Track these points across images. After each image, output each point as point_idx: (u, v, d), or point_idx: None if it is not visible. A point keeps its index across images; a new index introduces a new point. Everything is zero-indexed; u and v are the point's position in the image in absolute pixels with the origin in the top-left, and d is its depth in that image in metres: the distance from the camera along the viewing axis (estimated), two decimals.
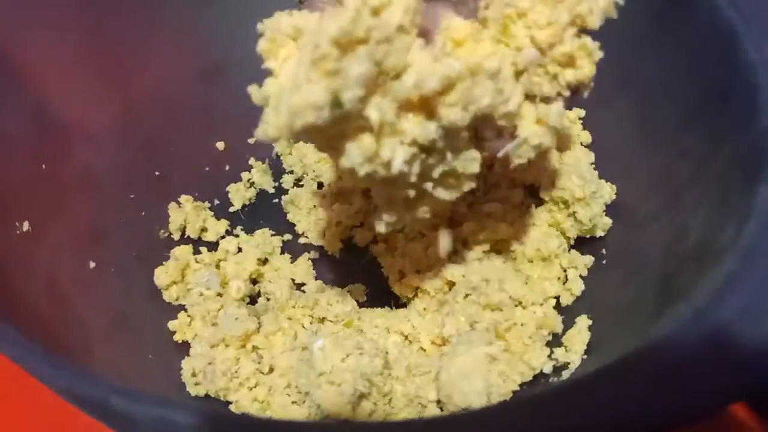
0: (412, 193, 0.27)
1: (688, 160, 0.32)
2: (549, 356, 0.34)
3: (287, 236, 0.42)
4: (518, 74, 0.26)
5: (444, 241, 0.32)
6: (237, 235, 0.41)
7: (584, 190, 0.36)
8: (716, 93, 0.31)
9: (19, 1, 0.34)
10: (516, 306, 0.35)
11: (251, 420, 0.21)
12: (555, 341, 0.35)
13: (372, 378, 0.31)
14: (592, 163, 0.39)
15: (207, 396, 0.34)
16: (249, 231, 0.41)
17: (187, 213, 0.41)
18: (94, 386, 0.20)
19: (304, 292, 0.39)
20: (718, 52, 0.31)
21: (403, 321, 0.36)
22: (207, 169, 0.43)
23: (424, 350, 0.35)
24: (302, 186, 0.44)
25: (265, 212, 0.43)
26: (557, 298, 0.37)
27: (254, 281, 0.39)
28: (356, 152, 0.23)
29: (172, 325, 0.36)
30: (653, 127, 0.36)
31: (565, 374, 0.33)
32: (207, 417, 0.19)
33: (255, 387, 0.34)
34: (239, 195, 0.43)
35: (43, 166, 0.34)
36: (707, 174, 0.31)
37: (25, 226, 0.31)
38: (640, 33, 0.36)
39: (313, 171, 0.43)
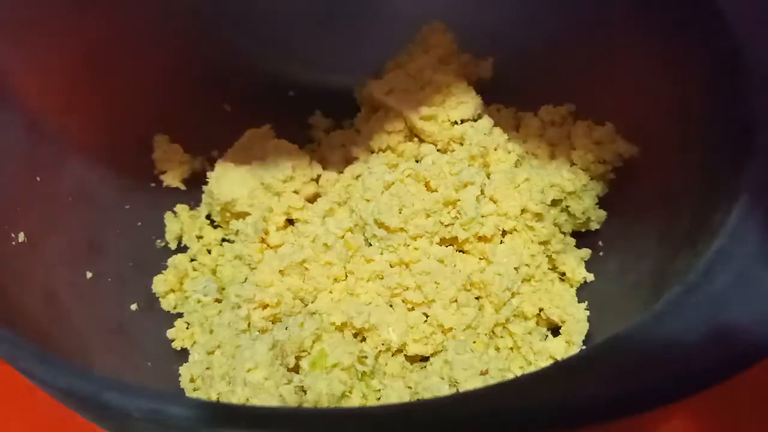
0: None
1: (677, 147, 0.33)
2: None
3: None
4: None
5: None
6: (232, 241, 0.41)
7: (575, 183, 0.36)
8: (701, 79, 0.31)
9: (12, 18, 0.34)
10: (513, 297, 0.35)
11: (245, 409, 0.21)
12: (554, 333, 0.35)
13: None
14: None
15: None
16: None
17: (183, 222, 0.41)
18: (87, 382, 0.20)
19: None
20: (701, 37, 0.31)
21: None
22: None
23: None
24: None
25: None
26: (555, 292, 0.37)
27: None
28: None
29: (170, 333, 0.36)
30: (642, 119, 0.36)
31: None
32: (201, 408, 0.19)
33: None
34: None
35: (38, 179, 0.34)
36: (696, 159, 0.31)
37: (21, 237, 0.32)
38: (623, 25, 0.36)
39: None
